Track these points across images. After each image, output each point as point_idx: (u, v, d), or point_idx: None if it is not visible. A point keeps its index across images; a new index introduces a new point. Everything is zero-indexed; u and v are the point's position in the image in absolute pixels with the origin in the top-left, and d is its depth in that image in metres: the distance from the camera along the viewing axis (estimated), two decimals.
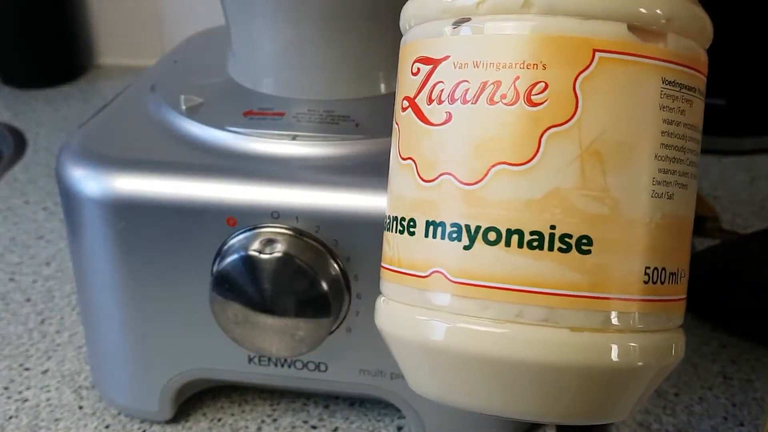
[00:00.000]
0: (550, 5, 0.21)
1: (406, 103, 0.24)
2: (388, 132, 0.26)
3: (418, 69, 0.23)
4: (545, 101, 0.21)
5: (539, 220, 0.21)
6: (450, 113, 0.22)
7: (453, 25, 0.23)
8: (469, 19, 0.22)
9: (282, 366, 0.34)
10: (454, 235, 0.22)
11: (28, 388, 0.40)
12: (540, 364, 0.22)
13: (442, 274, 0.22)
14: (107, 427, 0.37)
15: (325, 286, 0.31)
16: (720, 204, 0.53)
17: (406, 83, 0.24)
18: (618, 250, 0.22)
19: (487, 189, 0.22)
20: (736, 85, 0.59)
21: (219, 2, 0.36)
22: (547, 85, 0.21)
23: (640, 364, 0.22)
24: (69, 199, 0.33)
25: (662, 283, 0.23)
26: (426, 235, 0.23)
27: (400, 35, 0.25)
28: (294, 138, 0.32)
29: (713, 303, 0.42)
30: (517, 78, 0.21)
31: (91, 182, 0.32)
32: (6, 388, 0.40)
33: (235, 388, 0.38)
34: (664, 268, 0.23)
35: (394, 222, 0.24)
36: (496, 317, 0.22)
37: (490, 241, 0.22)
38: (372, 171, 0.30)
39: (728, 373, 0.39)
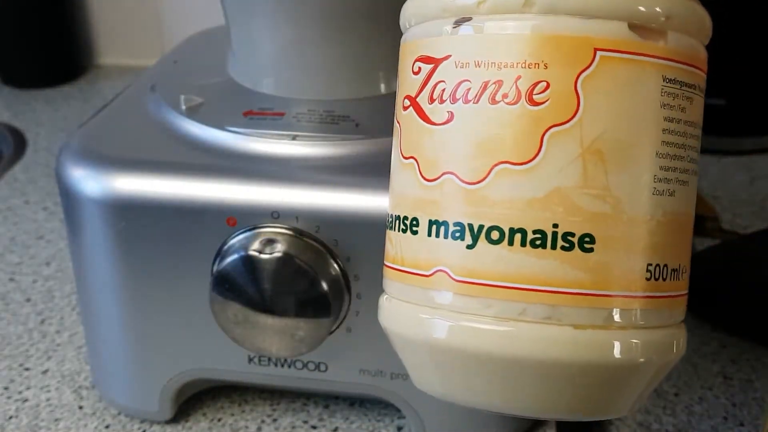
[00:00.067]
0: (551, 4, 0.21)
1: (407, 102, 0.24)
2: (388, 132, 0.26)
3: (419, 68, 0.23)
4: (547, 101, 0.21)
5: (542, 219, 0.21)
6: (452, 113, 0.22)
7: (454, 24, 0.23)
8: (470, 19, 0.22)
9: (282, 366, 0.34)
10: (457, 234, 0.22)
11: (28, 388, 0.40)
12: (543, 362, 0.22)
13: (446, 273, 0.22)
14: (107, 427, 0.37)
15: (325, 286, 0.31)
16: (720, 204, 0.53)
17: (407, 82, 0.24)
18: (620, 247, 0.22)
19: (490, 188, 0.22)
20: (736, 85, 0.59)
21: (219, 2, 0.36)
22: (548, 85, 0.21)
23: (642, 360, 0.22)
24: (69, 199, 0.33)
25: (664, 279, 0.23)
26: (429, 234, 0.23)
27: (400, 35, 0.25)
28: (294, 138, 0.32)
29: (713, 303, 0.42)
30: (519, 77, 0.21)
31: (91, 182, 0.32)
32: (6, 388, 0.40)
33: (235, 388, 0.38)
34: (665, 265, 0.23)
35: (397, 221, 0.24)
36: (499, 315, 0.22)
37: (493, 240, 0.22)
38: (372, 171, 0.30)
39: (728, 373, 0.39)
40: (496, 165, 0.22)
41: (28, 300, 0.47)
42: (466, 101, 0.22)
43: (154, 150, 0.33)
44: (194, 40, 0.46)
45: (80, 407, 0.38)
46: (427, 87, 0.23)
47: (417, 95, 0.23)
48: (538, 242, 0.21)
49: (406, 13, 0.25)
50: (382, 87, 0.35)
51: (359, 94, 0.35)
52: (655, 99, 0.22)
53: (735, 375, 0.39)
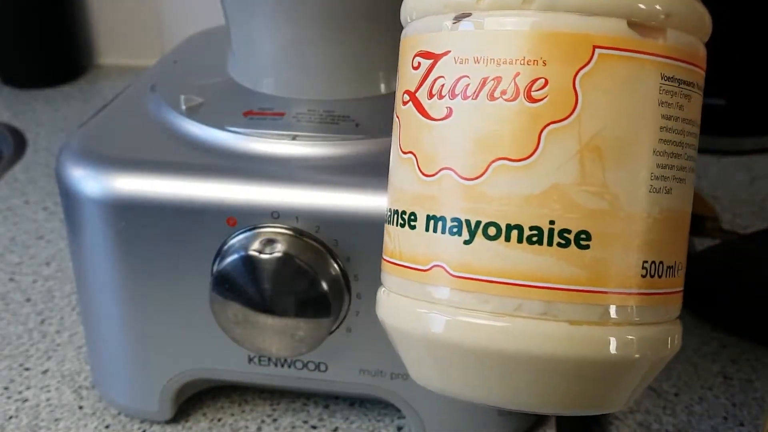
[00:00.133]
0: (551, 1, 0.21)
1: (406, 97, 0.24)
2: (388, 132, 0.26)
3: (419, 63, 0.23)
4: (545, 97, 0.21)
5: (539, 216, 0.21)
6: (450, 108, 0.22)
7: (454, 19, 0.23)
8: (469, 14, 0.22)
9: (282, 366, 0.34)
10: (455, 230, 0.22)
11: (28, 388, 0.40)
12: (539, 357, 0.22)
13: (443, 268, 0.22)
14: (107, 427, 0.37)
15: (325, 286, 0.31)
16: (720, 204, 0.53)
17: (407, 77, 0.24)
18: (616, 244, 0.22)
19: (487, 184, 0.22)
20: (736, 85, 0.59)
21: (219, 2, 0.36)
22: (547, 82, 0.21)
23: (637, 356, 0.23)
24: (69, 199, 0.33)
25: (660, 276, 0.23)
26: (427, 230, 0.23)
27: (400, 35, 0.26)
28: (294, 138, 0.32)
29: (713, 303, 0.42)
30: (518, 74, 0.22)
31: (91, 182, 0.32)
32: (6, 388, 0.40)
33: (235, 388, 0.38)
34: (661, 262, 0.23)
35: (395, 215, 0.24)
36: (495, 311, 0.22)
37: (490, 236, 0.22)
38: (372, 171, 0.30)
39: (728, 373, 0.39)
40: (494, 161, 0.22)
41: (28, 300, 0.47)
42: (465, 97, 0.22)
43: (154, 150, 0.33)
44: (194, 40, 0.46)
45: (80, 407, 0.38)
46: (426, 82, 0.23)
47: (416, 90, 0.23)
48: (534, 239, 0.22)
49: (407, 8, 0.25)
50: (382, 87, 0.35)
51: (359, 94, 0.35)
52: (654, 97, 0.22)
53: (735, 375, 0.39)
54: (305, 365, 0.34)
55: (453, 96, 0.22)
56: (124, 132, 0.35)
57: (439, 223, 0.23)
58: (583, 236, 0.22)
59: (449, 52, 0.23)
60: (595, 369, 0.22)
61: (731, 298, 0.41)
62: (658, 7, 0.22)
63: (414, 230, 0.23)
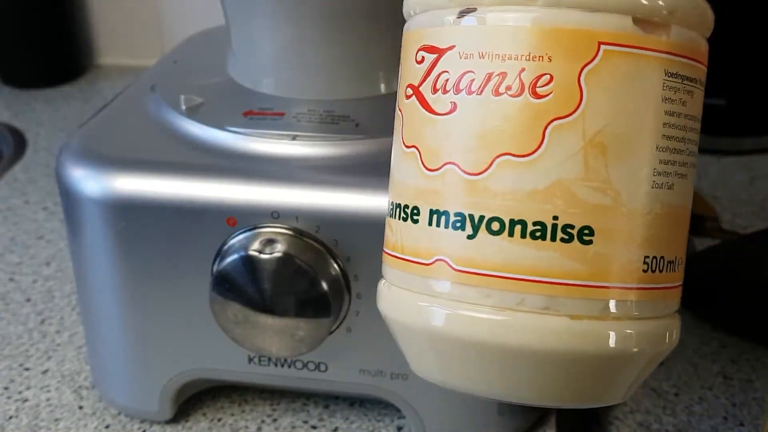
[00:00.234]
0: None
1: (410, 91, 0.24)
2: (388, 132, 0.26)
3: (423, 57, 0.23)
4: (550, 93, 0.21)
5: (542, 211, 0.22)
6: (455, 103, 0.22)
7: (458, 14, 0.23)
8: (474, 9, 0.22)
9: (282, 366, 0.34)
10: (458, 225, 0.22)
11: (28, 388, 0.40)
12: (540, 351, 0.22)
13: (446, 262, 0.23)
14: (107, 427, 0.37)
15: (325, 286, 0.31)
16: (720, 204, 0.53)
17: (410, 71, 0.24)
18: (618, 240, 0.22)
19: (491, 179, 0.22)
20: (736, 84, 0.59)
21: (219, 2, 0.37)
22: (552, 78, 0.21)
23: (636, 350, 0.23)
24: (69, 199, 0.33)
25: (660, 271, 0.23)
26: (430, 224, 0.23)
27: (400, 35, 0.25)
28: (294, 138, 0.32)
29: (713, 303, 0.42)
30: (523, 70, 0.22)
31: (91, 182, 0.32)
32: (6, 388, 0.40)
33: (235, 388, 0.38)
34: (662, 257, 0.23)
35: (398, 209, 0.24)
36: (497, 305, 0.22)
37: (493, 230, 0.22)
38: (372, 171, 0.30)
39: (728, 373, 0.39)
40: (498, 156, 0.22)
41: (28, 300, 0.47)
42: (470, 92, 0.22)
43: (154, 150, 0.33)
44: (194, 40, 0.46)
45: (80, 407, 0.38)
46: (430, 77, 0.23)
47: (420, 84, 0.23)
48: (537, 234, 0.22)
49: (410, 2, 0.25)
50: (382, 87, 0.35)
51: (359, 94, 0.35)
52: (657, 93, 0.22)
53: (735, 375, 0.39)
54: (305, 365, 0.34)
55: (457, 91, 0.22)
56: (124, 132, 0.35)
57: (443, 218, 0.23)
58: (586, 231, 0.22)
59: (454, 47, 0.23)
60: (596, 363, 0.22)
61: (731, 298, 0.41)
62: (662, 3, 0.22)
63: (417, 224, 0.23)
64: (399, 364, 0.33)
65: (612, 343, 0.22)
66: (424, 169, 0.23)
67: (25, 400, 0.39)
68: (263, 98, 0.35)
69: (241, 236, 0.31)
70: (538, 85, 0.21)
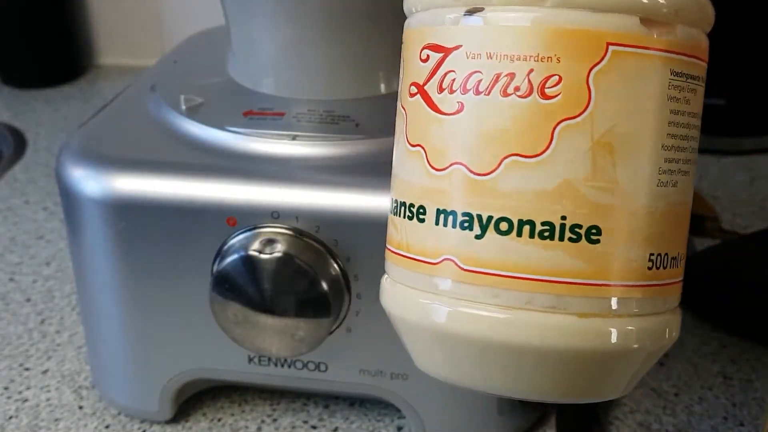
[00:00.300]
0: None
1: (414, 89, 0.24)
2: (388, 132, 0.26)
3: (428, 56, 0.23)
4: (558, 94, 0.21)
5: (550, 211, 0.22)
6: (462, 103, 0.22)
7: (466, 13, 0.23)
8: (482, 9, 0.22)
9: (282, 366, 0.34)
10: (466, 225, 0.22)
11: (28, 388, 0.40)
12: (549, 349, 0.22)
13: (453, 261, 0.23)
14: (107, 427, 0.37)
15: (325, 286, 0.31)
16: (720, 204, 0.53)
17: (414, 69, 0.24)
18: (625, 238, 0.22)
19: (499, 180, 0.22)
20: (736, 84, 0.59)
21: (219, 2, 0.36)
22: (560, 79, 0.21)
23: (639, 346, 0.23)
24: (69, 199, 0.33)
25: (664, 268, 0.23)
26: (436, 223, 0.23)
27: (401, 35, 0.25)
28: (294, 138, 0.32)
29: (713, 303, 0.42)
30: (531, 71, 0.22)
31: (91, 182, 0.32)
32: (6, 388, 0.40)
33: (235, 388, 0.38)
34: (666, 254, 0.23)
35: (402, 207, 0.24)
36: (506, 304, 0.22)
37: (501, 231, 0.22)
38: (372, 171, 0.30)
39: (728, 373, 0.39)
40: (506, 157, 0.22)
41: (28, 300, 0.47)
42: (477, 92, 0.22)
43: (154, 150, 0.33)
44: (194, 40, 0.46)
45: (80, 407, 0.38)
46: (436, 76, 0.23)
47: (425, 83, 0.23)
48: (546, 234, 0.22)
49: None
50: (382, 87, 0.35)
51: (359, 94, 0.35)
52: (663, 92, 0.22)
53: (735, 375, 0.39)
54: (305, 365, 0.34)
55: (465, 91, 0.22)
56: (124, 132, 0.35)
57: (450, 218, 0.23)
58: (593, 231, 0.22)
59: (461, 46, 0.22)
60: (600, 359, 0.23)
61: (731, 298, 0.41)
62: (668, 2, 0.22)
63: (423, 223, 0.23)
64: (399, 364, 0.33)
65: (616, 340, 0.22)
66: (430, 168, 0.23)
67: (25, 400, 0.39)
68: (263, 98, 0.35)
69: (241, 236, 0.31)
70: (546, 86, 0.22)
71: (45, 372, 0.41)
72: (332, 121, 0.33)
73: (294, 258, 0.30)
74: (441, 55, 0.23)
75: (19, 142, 0.66)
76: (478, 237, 0.22)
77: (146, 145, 0.34)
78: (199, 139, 0.33)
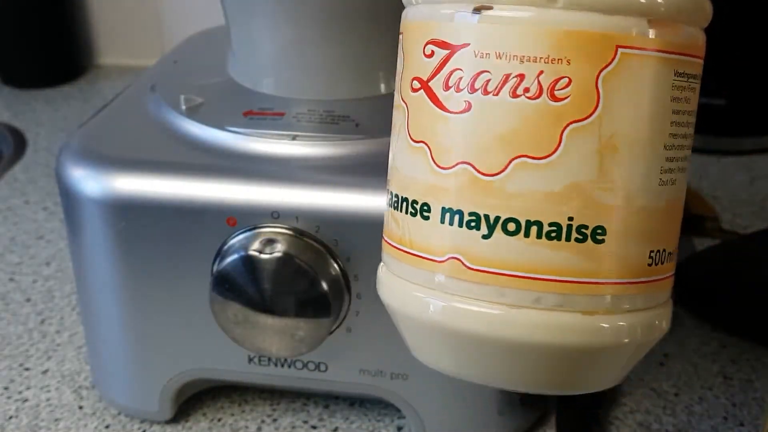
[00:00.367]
0: (577, 0, 0.21)
1: (417, 84, 0.24)
2: (388, 132, 0.26)
3: (432, 51, 0.23)
4: (567, 97, 0.22)
5: (558, 212, 0.22)
6: (469, 102, 0.22)
7: (474, 11, 0.22)
8: (491, 8, 0.22)
9: (282, 366, 0.34)
10: (473, 224, 0.22)
11: (28, 388, 0.40)
12: (555, 346, 0.23)
13: (459, 260, 0.23)
14: (107, 427, 0.37)
15: (325, 286, 0.31)
16: (720, 204, 0.53)
17: (417, 63, 0.24)
18: (628, 237, 0.23)
19: (508, 181, 0.22)
20: (736, 85, 0.59)
21: (219, 2, 0.37)
22: (570, 81, 0.21)
23: (638, 339, 0.24)
24: (69, 199, 0.33)
25: (662, 263, 0.24)
26: (442, 222, 0.23)
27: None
28: (294, 138, 0.32)
29: (713, 303, 0.42)
30: (541, 72, 0.22)
31: (91, 182, 0.32)
32: (6, 388, 0.40)
33: (235, 388, 0.38)
34: (664, 249, 0.24)
35: (404, 203, 0.24)
36: (513, 303, 0.22)
37: (509, 231, 0.22)
38: (372, 171, 0.30)
39: (728, 373, 0.39)
40: (515, 158, 0.22)
41: (28, 300, 0.47)
42: (486, 93, 0.22)
43: (154, 150, 0.33)
44: (194, 40, 0.46)
45: (80, 407, 0.38)
46: (441, 73, 0.23)
47: (429, 79, 0.23)
48: (553, 234, 0.22)
49: None
50: (382, 87, 0.35)
51: (359, 94, 0.35)
52: (667, 93, 0.22)
53: (735, 375, 0.39)
54: (305, 365, 0.34)
55: (472, 90, 0.22)
56: (124, 132, 0.35)
57: (456, 217, 0.23)
58: (599, 231, 0.22)
59: (468, 45, 0.22)
60: (603, 354, 0.23)
61: (731, 298, 0.41)
62: (675, 3, 0.22)
63: (427, 221, 0.23)
64: (399, 364, 0.33)
65: (618, 335, 0.23)
66: (434, 165, 0.23)
67: (25, 400, 0.39)
68: (263, 98, 0.35)
69: (241, 236, 0.31)
70: (556, 88, 0.22)
71: (45, 372, 0.41)
72: (332, 121, 0.33)
73: (294, 258, 0.30)
74: (447, 52, 0.23)
75: (19, 142, 0.66)
76: (485, 237, 0.22)
77: (146, 145, 0.34)
78: (199, 139, 0.33)
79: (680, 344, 0.41)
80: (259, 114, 0.34)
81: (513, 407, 0.34)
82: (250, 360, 0.34)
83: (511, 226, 0.22)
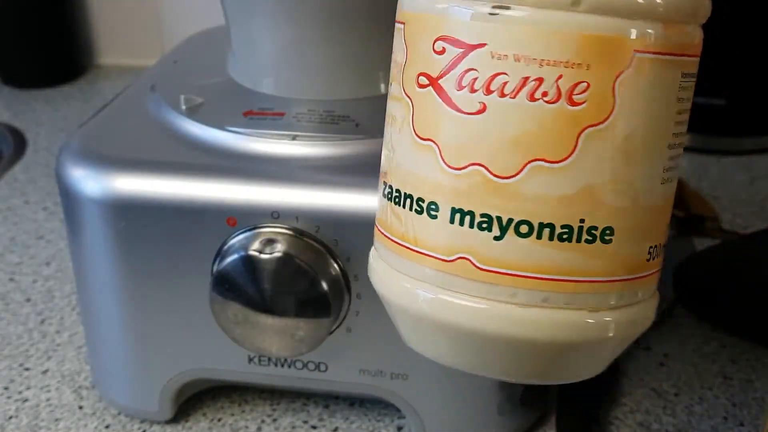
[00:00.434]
0: (598, 4, 0.21)
1: (424, 80, 0.23)
2: None
3: (444, 48, 0.23)
4: (585, 101, 0.22)
5: (570, 215, 0.22)
6: (484, 104, 0.22)
7: (491, 10, 0.22)
8: (508, 8, 0.22)
9: (282, 366, 0.34)
10: (484, 225, 0.22)
11: (28, 388, 0.40)
12: (562, 343, 0.23)
13: (469, 260, 0.23)
14: (107, 427, 0.37)
15: (325, 286, 0.31)
16: (720, 204, 0.53)
17: (425, 59, 0.23)
18: (633, 236, 0.23)
19: (522, 184, 0.22)
20: (736, 84, 0.59)
21: (219, 2, 0.37)
22: (589, 85, 0.21)
23: (635, 332, 0.24)
24: (69, 199, 0.33)
25: (657, 257, 0.24)
26: (451, 221, 0.23)
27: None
28: (294, 138, 0.32)
29: (713, 303, 0.42)
30: (560, 77, 0.21)
31: (91, 182, 0.32)
32: (6, 388, 0.40)
33: (235, 388, 0.38)
34: (659, 244, 0.24)
35: (408, 199, 0.24)
36: (523, 302, 0.23)
37: (521, 233, 0.22)
38: (372, 171, 0.30)
39: (728, 373, 0.39)
40: (530, 162, 0.22)
41: (28, 300, 0.47)
42: (502, 95, 0.22)
43: (154, 150, 0.33)
44: (194, 40, 0.46)
45: (80, 407, 0.38)
46: (453, 72, 0.22)
47: (440, 77, 0.23)
48: (564, 236, 0.22)
49: None
50: (382, 87, 0.35)
51: (359, 94, 0.35)
52: (674, 94, 0.23)
53: (735, 375, 0.39)
54: (305, 365, 0.34)
55: (488, 92, 0.22)
56: (124, 132, 0.35)
57: (467, 217, 0.23)
58: (607, 232, 0.22)
59: (485, 45, 0.22)
60: (604, 347, 0.24)
61: (731, 298, 0.41)
62: (689, 6, 0.22)
63: (435, 220, 0.23)
64: (399, 364, 0.33)
65: (620, 328, 0.24)
66: (444, 165, 0.23)
67: (25, 400, 0.39)
68: (263, 98, 0.35)
69: (241, 236, 0.31)
70: (575, 92, 0.21)
71: (45, 372, 0.41)
72: (332, 121, 0.33)
73: (294, 258, 0.30)
74: (461, 51, 0.22)
75: (19, 142, 0.66)
76: (497, 238, 0.22)
77: (146, 145, 0.34)
78: (199, 139, 0.33)
79: (680, 344, 0.41)
80: (259, 114, 0.34)
81: (513, 407, 0.34)
82: (250, 360, 0.34)
83: (524, 228, 0.22)
